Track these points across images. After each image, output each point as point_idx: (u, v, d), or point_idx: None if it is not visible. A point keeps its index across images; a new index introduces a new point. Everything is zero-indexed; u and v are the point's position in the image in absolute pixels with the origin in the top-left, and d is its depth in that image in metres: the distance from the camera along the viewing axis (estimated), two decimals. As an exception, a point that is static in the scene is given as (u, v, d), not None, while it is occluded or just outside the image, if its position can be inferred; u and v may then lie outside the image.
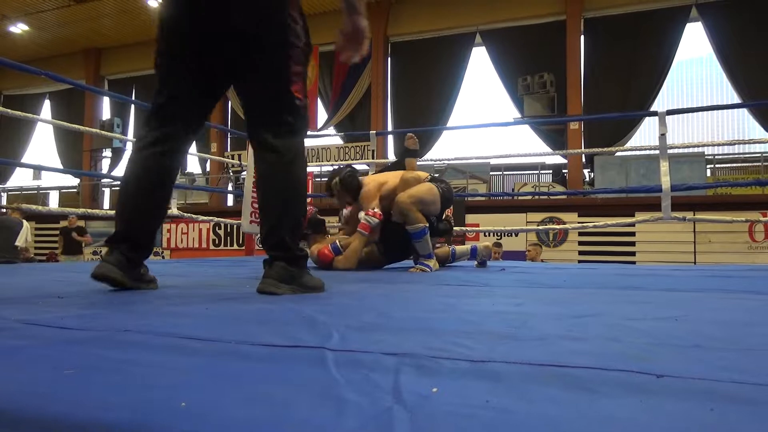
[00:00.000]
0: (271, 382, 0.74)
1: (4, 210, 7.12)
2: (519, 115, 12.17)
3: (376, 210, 3.27)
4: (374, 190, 3.37)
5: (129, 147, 15.77)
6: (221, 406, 0.63)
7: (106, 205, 16.08)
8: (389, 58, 13.84)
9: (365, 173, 4.28)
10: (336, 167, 3.60)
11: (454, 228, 4.00)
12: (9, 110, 3.96)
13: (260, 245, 1.89)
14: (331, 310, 1.45)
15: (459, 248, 3.73)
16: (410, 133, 3.73)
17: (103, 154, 16.06)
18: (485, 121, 11.36)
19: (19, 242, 7.20)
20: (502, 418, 0.59)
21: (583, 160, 11.80)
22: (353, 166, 3.65)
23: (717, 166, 11.57)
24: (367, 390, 0.69)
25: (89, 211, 4.50)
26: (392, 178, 3.43)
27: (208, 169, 15.24)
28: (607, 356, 0.88)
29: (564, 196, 10.42)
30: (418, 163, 3.84)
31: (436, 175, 3.55)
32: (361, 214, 3.30)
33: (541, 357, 0.87)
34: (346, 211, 3.59)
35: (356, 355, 0.87)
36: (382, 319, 1.30)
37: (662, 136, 4.28)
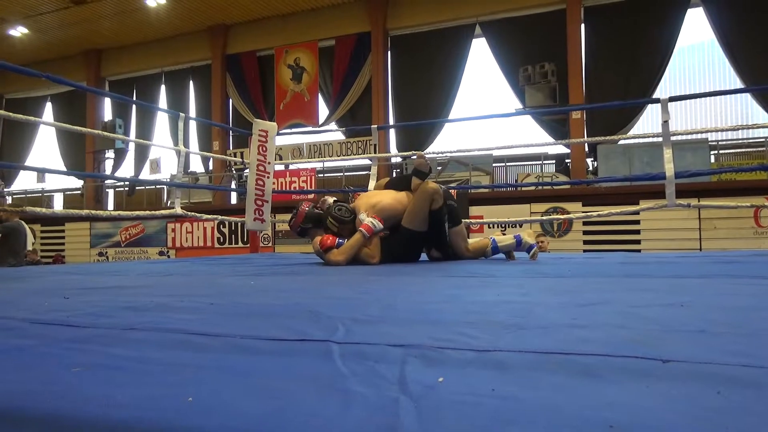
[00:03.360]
0: (278, 375, 0.75)
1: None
2: (521, 106, 12.12)
3: (377, 217, 3.26)
4: (365, 207, 3.36)
5: (132, 147, 15.83)
6: (228, 400, 0.63)
7: (110, 206, 16.12)
8: (389, 52, 13.80)
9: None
10: (306, 208, 3.51)
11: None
12: (11, 114, 3.96)
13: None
14: (335, 303, 1.45)
15: (501, 239, 3.52)
16: (422, 155, 3.60)
17: (106, 155, 16.09)
18: (487, 113, 11.33)
19: (30, 246, 7.26)
20: (508, 405, 0.59)
21: (586, 149, 11.75)
22: (325, 197, 3.59)
23: (721, 152, 11.49)
24: (373, 381, 0.69)
25: (93, 212, 4.51)
26: (385, 197, 3.42)
27: (211, 167, 15.26)
28: (612, 343, 0.88)
29: (567, 186, 10.38)
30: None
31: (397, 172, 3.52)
32: (363, 216, 3.27)
33: (546, 345, 0.87)
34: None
35: (362, 348, 0.87)
36: (387, 312, 1.30)
37: (665, 123, 4.25)
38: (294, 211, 3.54)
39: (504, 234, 3.58)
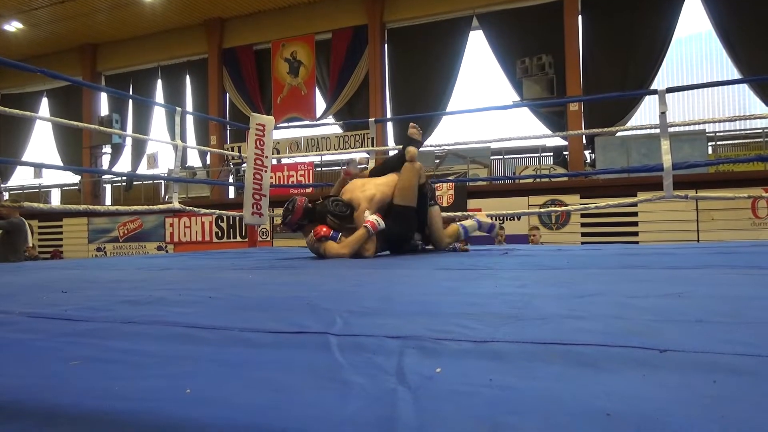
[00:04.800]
0: (276, 367, 0.75)
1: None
2: (518, 98, 12.10)
3: (379, 215, 3.28)
4: (365, 200, 3.36)
5: (128, 142, 15.78)
6: (226, 392, 0.63)
7: (108, 201, 16.09)
8: (386, 45, 13.76)
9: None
10: (302, 203, 3.43)
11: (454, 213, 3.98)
12: (7, 109, 3.94)
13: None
14: (333, 296, 1.45)
15: (467, 223, 3.73)
16: (413, 123, 3.67)
17: (103, 150, 16.05)
18: (484, 106, 11.30)
19: (29, 243, 7.20)
20: (505, 395, 0.59)
21: (584, 141, 11.74)
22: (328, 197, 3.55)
23: (718, 143, 11.50)
24: (371, 373, 0.69)
25: (91, 207, 4.50)
26: (377, 187, 3.43)
27: (208, 162, 15.23)
28: (610, 333, 0.88)
29: (565, 178, 10.39)
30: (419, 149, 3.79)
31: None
32: (368, 213, 3.26)
33: (544, 336, 0.87)
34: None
35: (360, 340, 0.87)
36: (384, 304, 1.30)
37: (662, 114, 4.25)
38: (288, 206, 3.45)
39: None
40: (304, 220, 3.45)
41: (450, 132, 14.10)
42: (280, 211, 6.47)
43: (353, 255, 3.23)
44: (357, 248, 3.22)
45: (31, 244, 7.42)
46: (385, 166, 3.74)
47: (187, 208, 5.32)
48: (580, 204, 9.11)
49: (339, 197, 3.48)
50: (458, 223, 3.67)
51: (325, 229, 3.27)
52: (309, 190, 11.34)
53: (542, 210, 8.10)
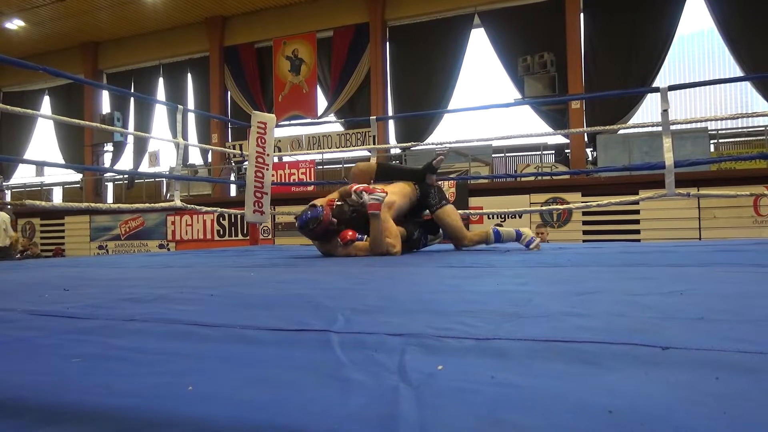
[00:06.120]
0: (278, 365, 0.75)
1: None
2: (520, 96, 12.07)
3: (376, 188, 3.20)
4: (386, 211, 3.27)
5: (130, 140, 15.77)
6: (228, 389, 0.63)
7: (110, 199, 16.10)
8: (387, 43, 13.74)
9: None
10: (329, 211, 3.24)
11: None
12: (9, 107, 3.95)
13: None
14: (335, 294, 1.45)
15: (503, 229, 3.58)
16: (441, 155, 3.58)
17: (105, 149, 16.05)
18: (486, 103, 11.29)
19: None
20: (507, 392, 0.59)
21: (586, 139, 11.72)
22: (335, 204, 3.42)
23: (720, 140, 11.48)
24: (372, 370, 0.69)
25: (93, 205, 4.51)
26: (396, 196, 3.39)
27: (210, 160, 15.23)
28: (612, 331, 0.88)
29: (567, 176, 10.36)
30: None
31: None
32: (366, 197, 3.12)
33: (546, 333, 0.87)
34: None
35: (361, 337, 0.87)
36: (386, 302, 1.30)
37: (664, 112, 4.24)
38: (312, 215, 3.17)
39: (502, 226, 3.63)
40: (335, 224, 3.25)
41: (452, 130, 14.10)
42: (281, 209, 6.47)
43: (355, 251, 3.21)
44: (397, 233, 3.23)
45: (7, 243, 7.20)
46: (396, 172, 3.67)
47: (188, 206, 5.33)
48: (582, 202, 9.09)
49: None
50: (493, 226, 3.58)
51: (351, 233, 3.16)
52: (311, 188, 11.35)
53: (544, 208, 8.08)
